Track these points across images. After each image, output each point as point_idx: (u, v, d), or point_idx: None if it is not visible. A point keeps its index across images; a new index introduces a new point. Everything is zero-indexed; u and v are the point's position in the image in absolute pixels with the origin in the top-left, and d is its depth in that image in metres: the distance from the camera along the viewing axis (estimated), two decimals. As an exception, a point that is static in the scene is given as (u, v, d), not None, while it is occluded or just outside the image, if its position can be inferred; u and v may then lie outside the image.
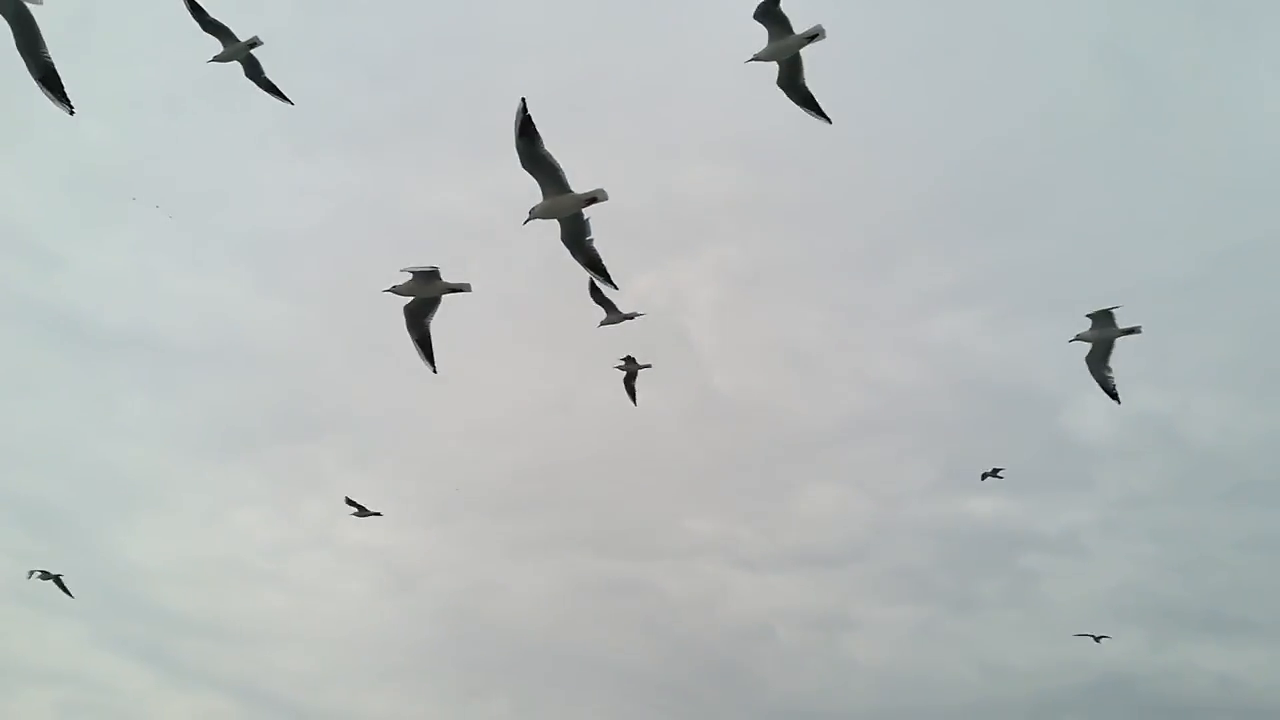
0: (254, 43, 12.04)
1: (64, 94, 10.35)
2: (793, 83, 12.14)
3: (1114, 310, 12.87)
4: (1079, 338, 13.11)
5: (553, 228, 10.81)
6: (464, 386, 27.12)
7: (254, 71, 12.26)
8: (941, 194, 25.37)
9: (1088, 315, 12.91)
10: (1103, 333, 13.05)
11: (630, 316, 14.14)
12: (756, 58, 11.92)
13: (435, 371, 11.05)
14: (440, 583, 25.97)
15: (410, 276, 10.65)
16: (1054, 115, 24.33)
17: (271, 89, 12.40)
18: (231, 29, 12.01)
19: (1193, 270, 23.15)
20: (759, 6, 11.38)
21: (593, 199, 10.47)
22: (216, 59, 12.10)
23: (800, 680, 24.36)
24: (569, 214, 10.41)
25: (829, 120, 11.94)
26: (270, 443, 26.20)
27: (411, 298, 10.81)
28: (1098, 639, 13.78)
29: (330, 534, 26.82)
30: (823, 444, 27.04)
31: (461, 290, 10.93)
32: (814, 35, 11.73)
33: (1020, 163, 24.88)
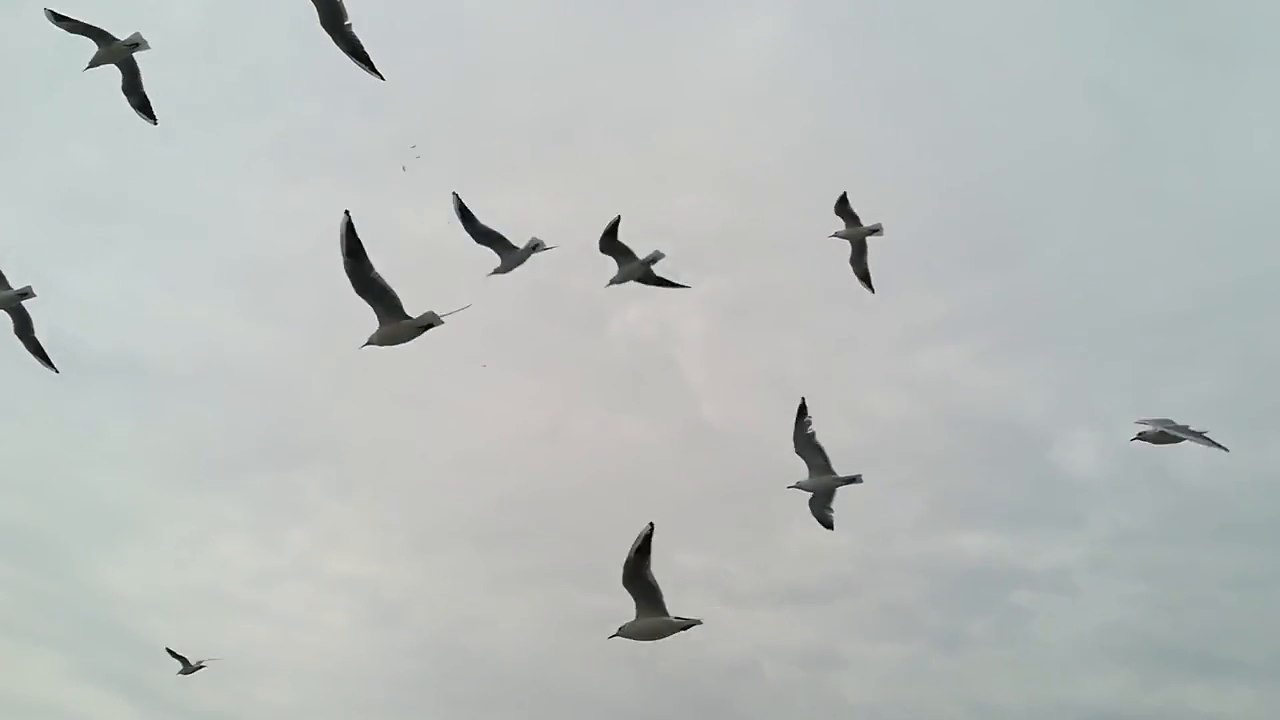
0: (135, 43, 11.09)
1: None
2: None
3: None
4: (798, 485, 12.72)
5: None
6: (450, 415, 26.97)
7: (131, 81, 11.32)
8: (932, 228, 25.32)
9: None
10: (822, 481, 12.74)
11: (534, 248, 12.00)
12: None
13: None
14: (424, 615, 25.68)
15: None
16: (1046, 152, 24.43)
17: (143, 105, 11.44)
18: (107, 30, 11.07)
19: (1184, 306, 23.17)
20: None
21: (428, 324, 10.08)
22: (94, 62, 11.18)
23: (788, 718, 24.09)
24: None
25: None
26: (254, 470, 25.99)
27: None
28: None
29: (313, 564, 26.57)
30: (811, 477, 26.90)
31: (433, 325, 10.25)
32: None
33: (1011, 198, 24.93)
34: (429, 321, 10.03)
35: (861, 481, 12.74)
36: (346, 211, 9.30)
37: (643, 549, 9.46)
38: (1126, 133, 24.89)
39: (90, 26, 11.04)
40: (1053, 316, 23.97)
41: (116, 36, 11.09)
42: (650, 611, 9.53)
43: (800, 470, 12.68)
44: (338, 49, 10.84)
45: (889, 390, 26.63)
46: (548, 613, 25.00)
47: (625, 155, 26.27)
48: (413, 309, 10.32)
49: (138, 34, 11.11)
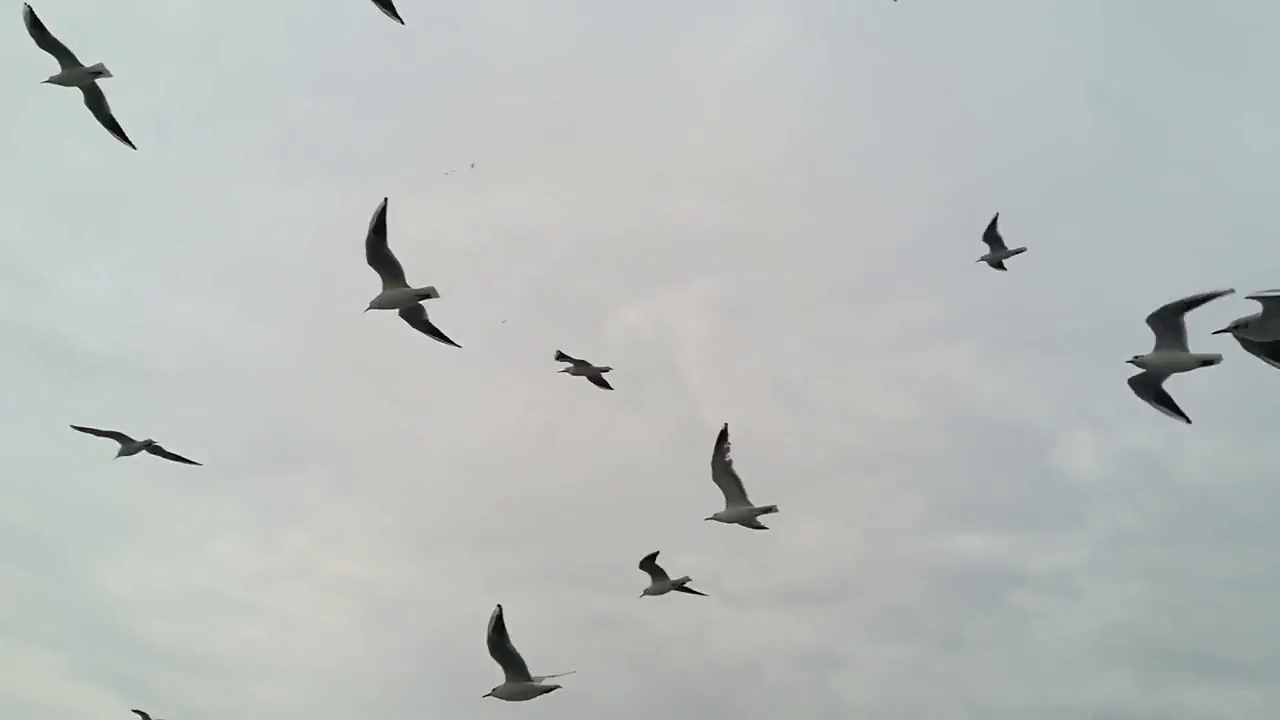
0: (98, 71, 11.46)
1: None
2: None
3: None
4: (715, 517, 12.51)
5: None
6: (448, 416, 26.91)
7: (96, 103, 11.62)
8: (932, 228, 25.31)
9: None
10: (738, 511, 12.48)
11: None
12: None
13: (460, 346, 11.56)
14: (422, 616, 25.59)
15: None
16: (1045, 152, 24.37)
17: (113, 127, 11.76)
18: (74, 52, 11.34)
19: (1185, 308, 23.07)
20: None
21: (425, 295, 11.19)
22: (53, 80, 11.49)
23: (788, 719, 24.01)
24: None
25: None
26: (251, 471, 25.90)
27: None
28: None
29: (311, 565, 26.50)
30: (811, 478, 26.82)
31: (430, 296, 11.30)
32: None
33: (1011, 198, 24.79)
34: (427, 292, 11.16)
35: (777, 511, 12.50)
36: (386, 198, 10.72)
37: (499, 628, 11.00)
38: (1125, 133, 24.86)
39: (60, 45, 11.29)
40: (1052, 317, 23.89)
41: (82, 62, 11.39)
42: (517, 677, 11.14)
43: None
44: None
45: (889, 391, 26.64)
46: (546, 613, 24.90)
47: (625, 155, 26.26)
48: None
49: (101, 64, 11.47)
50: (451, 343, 11.52)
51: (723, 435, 12.30)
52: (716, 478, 12.34)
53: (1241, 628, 22.56)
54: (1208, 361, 9.79)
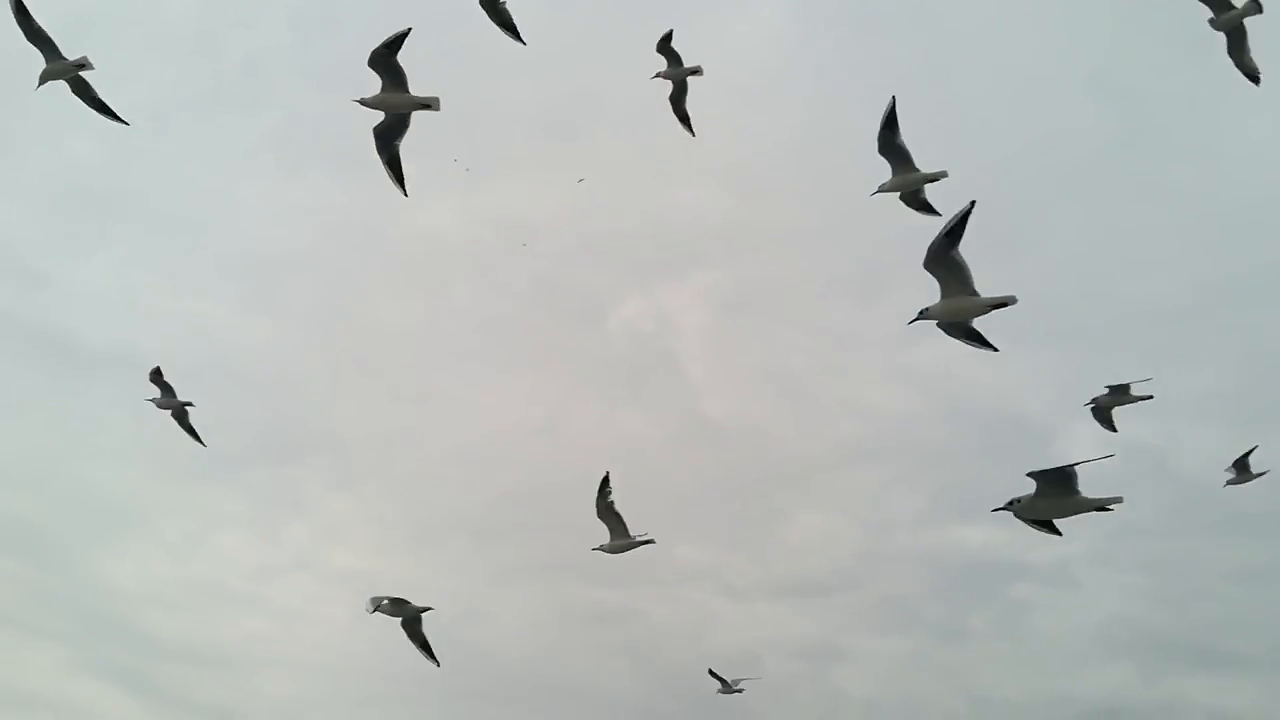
0: (81, 64, 11.52)
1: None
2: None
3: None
4: (600, 549, 13.47)
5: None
6: (449, 409, 26.94)
7: (82, 91, 11.74)
8: (933, 221, 25.26)
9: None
10: (619, 544, 13.39)
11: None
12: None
13: (406, 194, 11.26)
14: (424, 609, 25.63)
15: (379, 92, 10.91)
16: (1047, 144, 24.34)
17: (104, 109, 11.90)
18: (58, 44, 11.39)
19: (1186, 301, 23.13)
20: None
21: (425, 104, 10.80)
22: (43, 78, 11.52)
23: (789, 711, 24.06)
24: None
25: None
26: (253, 464, 25.99)
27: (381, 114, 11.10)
28: None
29: (313, 558, 26.59)
30: (812, 471, 26.91)
31: (430, 107, 11.10)
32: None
33: (1012, 190, 24.84)
34: (428, 102, 11.07)
35: (655, 543, 13.37)
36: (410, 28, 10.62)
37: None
38: (1128, 125, 24.82)
39: (45, 38, 11.34)
40: (1054, 310, 23.84)
41: (65, 55, 11.46)
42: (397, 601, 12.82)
43: None
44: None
45: (889, 383, 26.69)
46: (547, 606, 25.02)
47: (625, 148, 26.24)
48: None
49: (84, 57, 11.55)
50: (403, 189, 11.33)
51: (605, 481, 13.19)
52: (600, 516, 13.24)
53: (1241, 619, 22.67)
54: (1000, 304, 9.64)
